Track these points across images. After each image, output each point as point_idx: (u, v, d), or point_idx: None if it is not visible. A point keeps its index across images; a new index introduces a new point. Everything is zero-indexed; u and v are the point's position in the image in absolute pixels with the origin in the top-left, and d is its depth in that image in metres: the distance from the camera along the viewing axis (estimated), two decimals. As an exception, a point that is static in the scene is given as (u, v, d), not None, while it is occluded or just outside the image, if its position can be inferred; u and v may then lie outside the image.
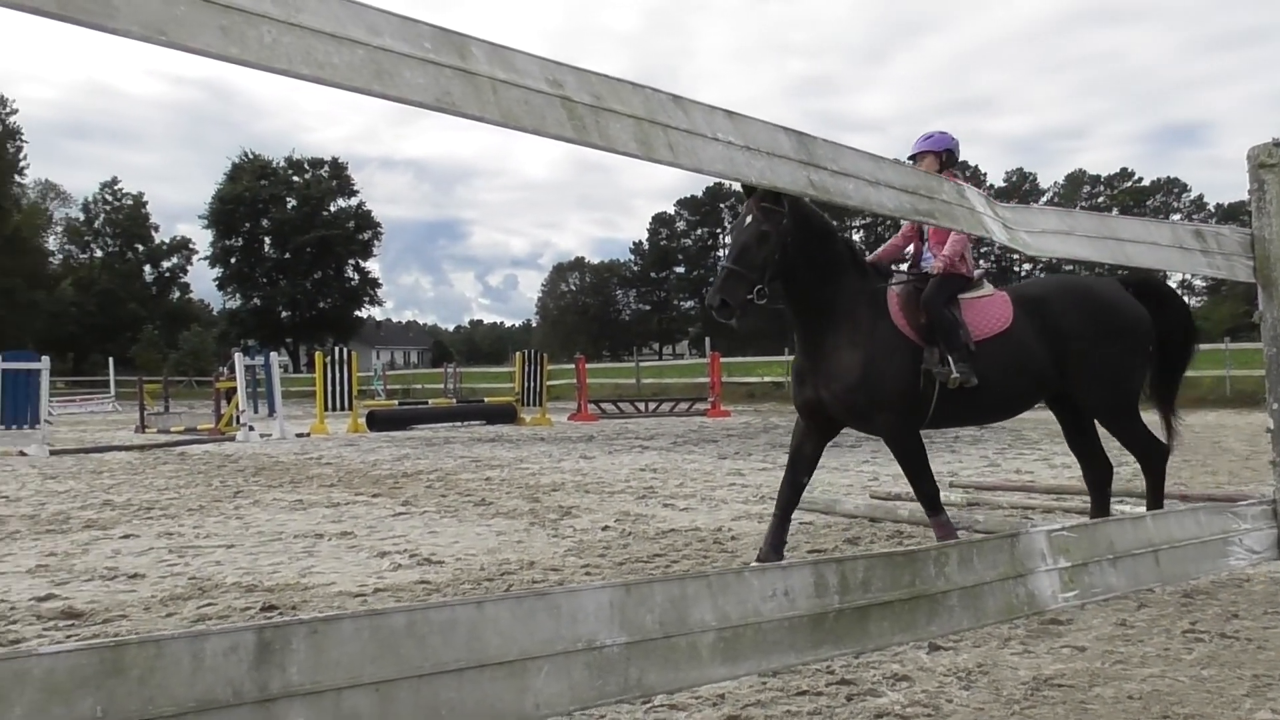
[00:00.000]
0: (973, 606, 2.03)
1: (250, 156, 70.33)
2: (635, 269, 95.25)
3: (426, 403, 24.21)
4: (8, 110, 54.06)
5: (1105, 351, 5.93)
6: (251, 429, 19.17)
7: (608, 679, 1.45)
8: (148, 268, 71.46)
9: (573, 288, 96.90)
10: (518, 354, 25.19)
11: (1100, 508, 6.31)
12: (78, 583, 6.21)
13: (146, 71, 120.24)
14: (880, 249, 6.62)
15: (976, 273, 6.32)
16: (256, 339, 61.56)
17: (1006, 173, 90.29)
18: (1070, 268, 54.94)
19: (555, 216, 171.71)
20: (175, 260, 72.50)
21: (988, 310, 6.09)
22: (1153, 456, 6.13)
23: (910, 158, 6.51)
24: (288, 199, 70.30)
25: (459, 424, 22.94)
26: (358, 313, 74.54)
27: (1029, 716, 3.43)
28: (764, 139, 1.90)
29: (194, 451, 16.69)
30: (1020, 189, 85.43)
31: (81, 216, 71.30)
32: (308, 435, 19.86)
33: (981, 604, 2.06)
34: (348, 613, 1.21)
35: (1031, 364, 5.97)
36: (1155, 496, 6.14)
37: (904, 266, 6.49)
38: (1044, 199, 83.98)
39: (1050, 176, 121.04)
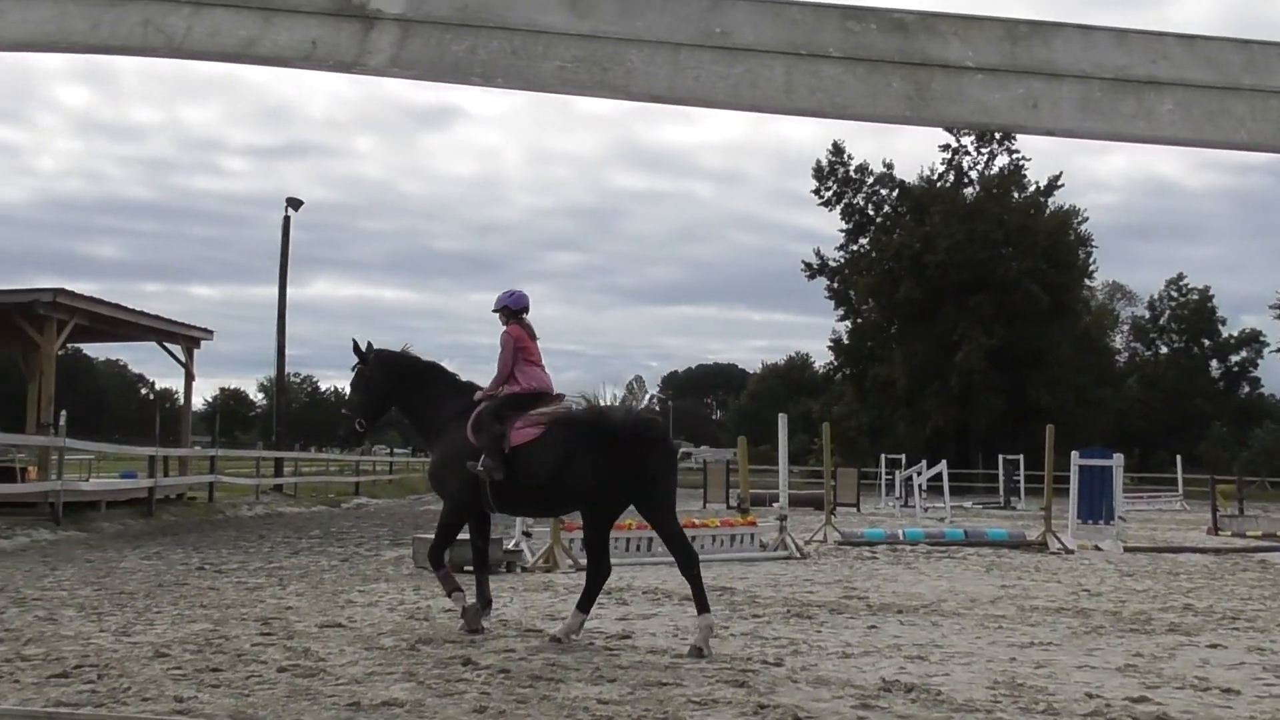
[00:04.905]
0: None
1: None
2: None
3: None
4: (1079, 219, 57.77)
5: (636, 463, 7.33)
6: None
7: None
8: (1214, 362, 70.07)
9: None
10: None
11: (586, 597, 7.60)
12: (1168, 689, 6.19)
13: (1203, 165, 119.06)
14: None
15: (567, 396, 7.94)
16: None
17: None
18: None
19: None
20: (1244, 354, 69.92)
21: (532, 423, 7.58)
22: (684, 559, 7.33)
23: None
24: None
25: None
26: None
27: None
28: None
29: (1275, 560, 15.65)
30: None
31: (1147, 314, 72.93)
32: None
33: None
34: None
35: (558, 469, 7.37)
36: (696, 597, 7.26)
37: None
38: None
39: None
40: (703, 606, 7.17)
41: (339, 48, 1.05)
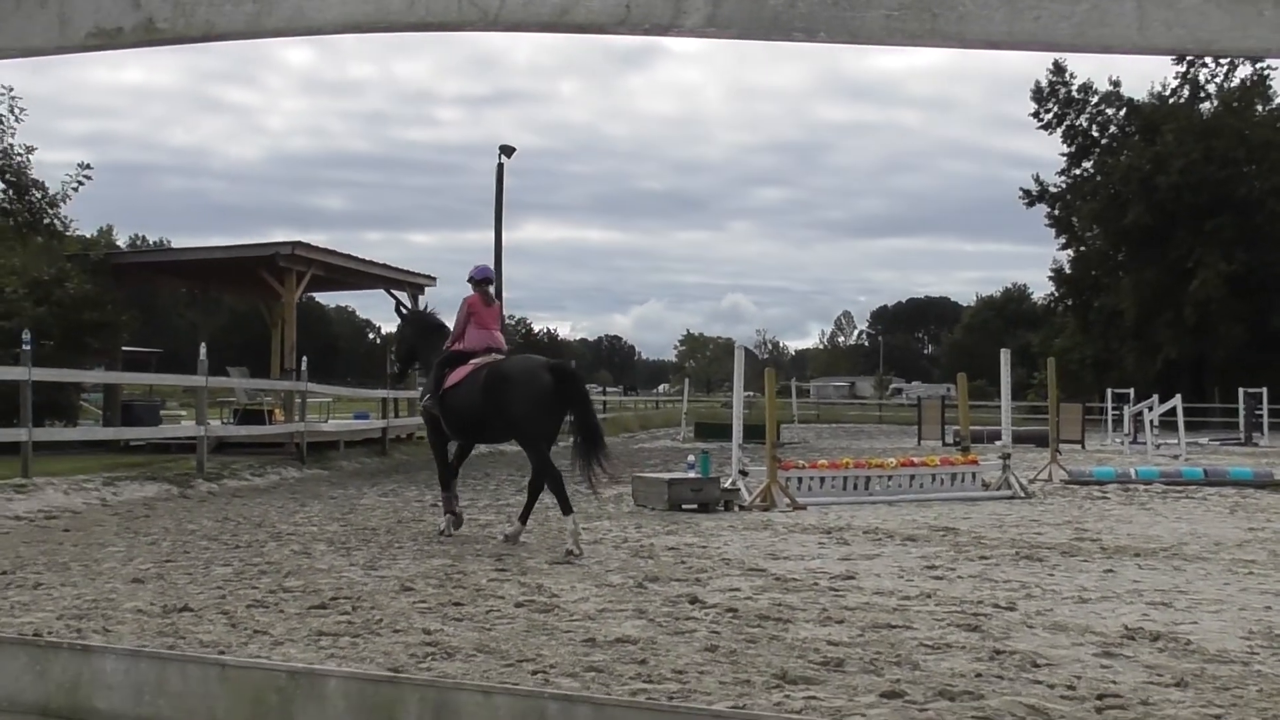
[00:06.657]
0: None
1: None
2: None
3: None
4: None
5: (504, 403, 8.97)
6: None
7: None
8: None
9: None
10: None
11: (528, 505, 9.57)
12: None
13: None
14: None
15: (499, 347, 9.67)
16: None
17: None
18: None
19: None
20: None
21: (459, 371, 9.38)
22: (545, 478, 9.08)
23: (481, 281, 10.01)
24: None
25: None
26: None
27: None
28: None
29: None
30: None
31: None
32: None
33: None
34: None
35: (471, 406, 9.18)
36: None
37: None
38: None
39: None
40: (566, 509, 8.75)
41: (654, 9, 1.02)
